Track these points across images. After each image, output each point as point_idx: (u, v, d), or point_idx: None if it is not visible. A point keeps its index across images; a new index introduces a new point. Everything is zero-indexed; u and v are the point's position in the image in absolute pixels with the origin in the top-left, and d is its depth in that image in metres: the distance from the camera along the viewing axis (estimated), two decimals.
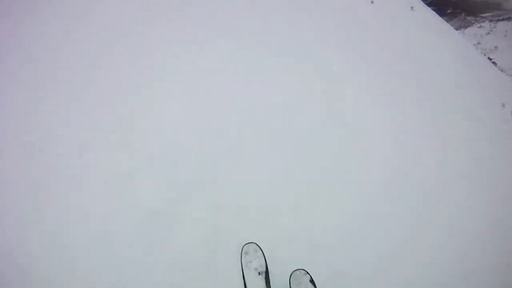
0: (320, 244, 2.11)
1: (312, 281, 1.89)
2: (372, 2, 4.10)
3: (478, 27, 9.25)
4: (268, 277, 1.90)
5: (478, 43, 8.30)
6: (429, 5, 7.71)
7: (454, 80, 4.68)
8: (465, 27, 8.35)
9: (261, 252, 1.93)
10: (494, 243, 2.49)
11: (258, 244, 1.97)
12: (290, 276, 1.89)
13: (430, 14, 4.98)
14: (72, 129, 2.25)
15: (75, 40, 2.62)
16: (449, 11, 8.27)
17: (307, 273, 1.90)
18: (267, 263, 1.92)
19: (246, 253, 1.93)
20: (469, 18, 9.13)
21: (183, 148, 2.26)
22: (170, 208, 2.02)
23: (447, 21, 8.02)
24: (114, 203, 2.00)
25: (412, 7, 4.15)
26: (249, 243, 1.96)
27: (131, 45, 2.72)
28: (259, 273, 1.88)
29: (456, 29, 7.24)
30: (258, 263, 1.90)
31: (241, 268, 1.91)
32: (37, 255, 1.81)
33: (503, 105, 4.01)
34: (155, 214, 1.99)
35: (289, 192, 2.26)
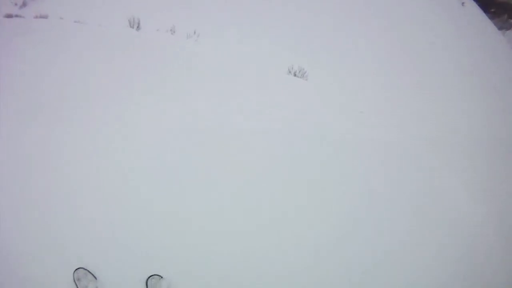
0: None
1: None
2: None
3: None
4: None
5: None
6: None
7: (490, 78, 4.85)
8: (507, 28, 8.30)
9: (91, 275, 1.87)
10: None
11: (86, 268, 1.89)
12: (146, 282, 1.87)
13: (478, 12, 5.11)
14: (71, 130, 2.50)
15: None
16: (492, 10, 8.22)
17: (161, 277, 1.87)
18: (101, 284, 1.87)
19: (79, 279, 1.86)
20: (511, 21, 9.03)
21: None
22: None
23: (490, 18, 7.98)
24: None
25: (463, 3, 4.33)
26: (78, 268, 1.88)
27: None
28: None
29: (499, 29, 7.25)
30: (94, 286, 1.84)
31: None
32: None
33: None
34: None
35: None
